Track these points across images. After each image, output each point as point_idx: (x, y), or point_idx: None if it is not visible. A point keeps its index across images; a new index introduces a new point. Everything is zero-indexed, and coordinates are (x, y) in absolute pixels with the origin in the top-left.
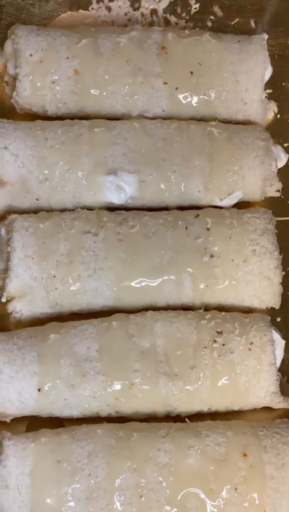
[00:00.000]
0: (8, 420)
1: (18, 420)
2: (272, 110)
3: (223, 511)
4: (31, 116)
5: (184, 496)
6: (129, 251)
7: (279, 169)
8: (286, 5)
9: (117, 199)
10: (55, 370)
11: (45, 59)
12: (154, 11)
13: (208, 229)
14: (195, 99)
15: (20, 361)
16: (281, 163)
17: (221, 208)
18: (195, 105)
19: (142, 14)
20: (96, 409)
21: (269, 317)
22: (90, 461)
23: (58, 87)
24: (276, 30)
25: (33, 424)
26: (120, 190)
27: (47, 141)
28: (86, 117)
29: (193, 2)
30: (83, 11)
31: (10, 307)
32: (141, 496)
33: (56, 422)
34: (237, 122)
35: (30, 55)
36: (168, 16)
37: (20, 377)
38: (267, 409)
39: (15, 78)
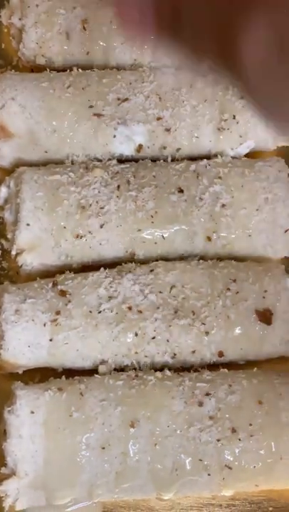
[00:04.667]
0: (20, 371)
1: (30, 373)
2: None
3: (239, 458)
4: (37, 70)
5: (199, 444)
6: (140, 201)
7: None
8: None
9: (126, 150)
10: (66, 320)
11: (51, 9)
12: None
13: (219, 177)
14: None
15: (32, 312)
16: None
17: (232, 157)
18: None
19: None
20: (109, 360)
21: (283, 265)
22: (103, 409)
23: (65, 38)
24: None
25: (45, 378)
26: (130, 140)
27: (55, 92)
28: (94, 68)
29: None
30: None
31: (20, 260)
32: (155, 444)
33: (67, 374)
34: None
35: (36, 5)
36: None
37: (32, 327)
38: (283, 359)
39: (21, 30)
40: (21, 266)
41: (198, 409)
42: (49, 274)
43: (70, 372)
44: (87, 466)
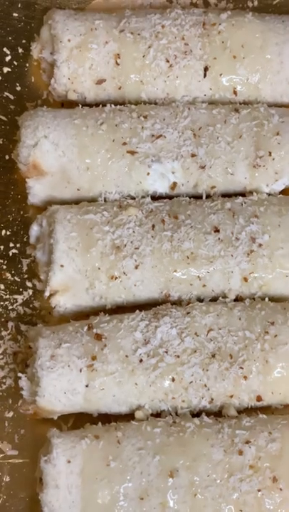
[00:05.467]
0: (55, 417)
1: (63, 416)
2: None
3: (280, 508)
4: (68, 104)
5: (240, 494)
6: (176, 242)
7: None
8: None
9: (160, 187)
10: (103, 365)
11: (83, 44)
12: None
13: (256, 216)
14: (238, 82)
15: (67, 357)
16: None
17: (268, 194)
18: (239, 89)
19: None
20: (145, 406)
21: None
22: (141, 458)
23: (97, 73)
24: None
25: (79, 421)
26: (164, 177)
27: (88, 129)
28: (126, 103)
29: None
30: None
31: (53, 301)
32: (195, 495)
33: (102, 419)
34: (282, 105)
35: (69, 40)
36: None
37: (68, 373)
38: None
39: (52, 65)
40: (54, 307)
41: (238, 458)
42: (82, 314)
43: (105, 416)
44: None
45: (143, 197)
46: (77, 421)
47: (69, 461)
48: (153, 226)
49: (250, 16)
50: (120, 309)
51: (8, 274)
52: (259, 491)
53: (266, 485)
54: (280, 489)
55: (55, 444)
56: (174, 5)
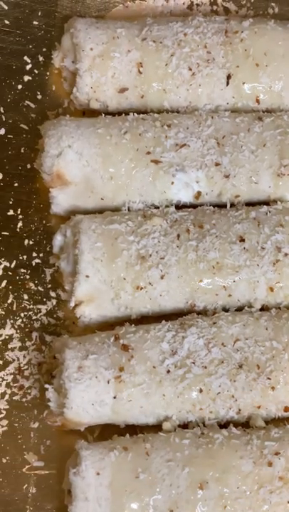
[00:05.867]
0: (82, 429)
1: (89, 427)
2: None
3: None
4: (89, 113)
5: (270, 506)
6: (201, 251)
7: None
8: None
9: (185, 196)
10: (130, 376)
11: (106, 53)
12: (213, 0)
13: (281, 225)
14: (261, 90)
15: (95, 368)
16: None
17: None
18: (262, 97)
19: (201, 3)
20: (173, 417)
21: None
22: (170, 470)
23: (119, 82)
24: None
25: (105, 431)
26: (188, 187)
27: (111, 138)
28: (148, 112)
29: None
30: (140, 1)
31: (78, 311)
32: (225, 507)
33: (129, 430)
34: None
35: (91, 49)
36: (227, 3)
37: (95, 384)
38: None
39: (74, 74)
40: (79, 317)
41: (268, 470)
42: (107, 325)
43: (132, 427)
44: None
45: (167, 206)
46: (103, 432)
47: (98, 474)
48: (178, 236)
49: (272, 23)
50: (145, 319)
51: (31, 284)
52: None
53: None
54: None
55: (83, 456)
56: (195, 12)
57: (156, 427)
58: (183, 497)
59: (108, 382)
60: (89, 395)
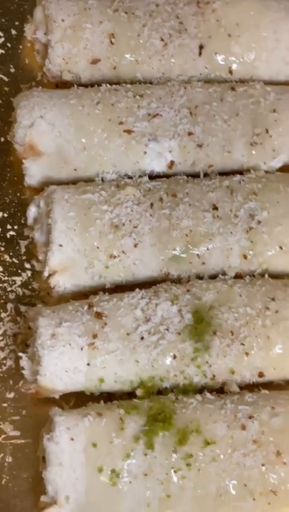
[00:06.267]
0: (57, 396)
1: (65, 396)
2: None
3: (285, 482)
4: (62, 85)
5: (244, 469)
6: (174, 220)
7: None
8: None
9: (158, 166)
10: (104, 343)
11: (77, 24)
12: None
13: (254, 194)
14: (234, 61)
15: (68, 336)
16: None
17: (266, 172)
18: (234, 67)
19: None
20: (149, 384)
21: None
22: (144, 435)
23: (91, 53)
24: None
25: (80, 400)
26: (161, 156)
27: (84, 108)
28: (121, 83)
29: None
30: None
31: (52, 281)
32: (199, 470)
33: (104, 398)
34: (278, 83)
35: (62, 20)
36: None
37: (69, 351)
38: None
39: (46, 45)
40: (53, 287)
41: (242, 433)
42: (81, 294)
43: (107, 395)
44: (130, 494)
45: (140, 176)
46: (79, 401)
47: (72, 439)
48: (151, 205)
49: None
50: (119, 288)
51: (6, 256)
52: (263, 465)
53: (270, 459)
54: (284, 463)
55: (57, 422)
56: None
57: (132, 395)
58: (157, 461)
59: (82, 349)
60: (62, 362)
